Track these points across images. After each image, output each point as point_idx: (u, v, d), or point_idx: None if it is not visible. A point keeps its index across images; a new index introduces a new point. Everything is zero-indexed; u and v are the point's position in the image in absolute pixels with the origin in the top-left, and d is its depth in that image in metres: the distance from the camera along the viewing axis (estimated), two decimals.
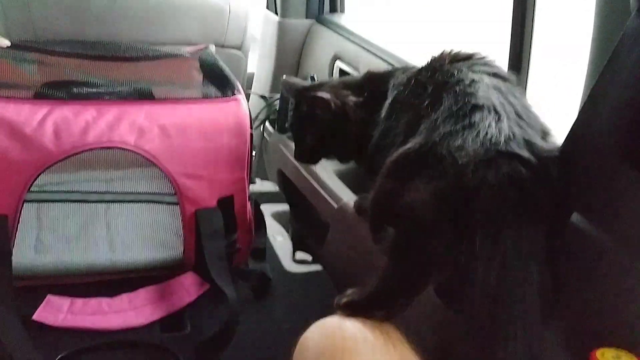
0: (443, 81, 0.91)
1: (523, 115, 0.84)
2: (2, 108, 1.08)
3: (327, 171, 1.48)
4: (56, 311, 1.12)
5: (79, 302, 1.15)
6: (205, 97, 1.23)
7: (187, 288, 1.22)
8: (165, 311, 1.17)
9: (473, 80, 0.88)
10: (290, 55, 1.79)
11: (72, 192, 1.21)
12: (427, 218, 0.78)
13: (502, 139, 0.77)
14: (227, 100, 1.23)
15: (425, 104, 0.90)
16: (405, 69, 1.11)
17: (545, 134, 0.87)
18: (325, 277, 1.39)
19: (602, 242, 0.78)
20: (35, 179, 1.09)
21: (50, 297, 1.14)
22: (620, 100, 0.76)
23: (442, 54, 1.02)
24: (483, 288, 0.72)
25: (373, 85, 1.13)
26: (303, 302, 1.29)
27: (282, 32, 1.82)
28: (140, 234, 1.25)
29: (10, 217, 1.08)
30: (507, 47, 1.22)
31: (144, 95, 1.21)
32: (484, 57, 0.99)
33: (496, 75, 0.93)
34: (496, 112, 0.82)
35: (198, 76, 1.30)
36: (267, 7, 1.91)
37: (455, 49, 1.02)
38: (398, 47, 1.52)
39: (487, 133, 0.78)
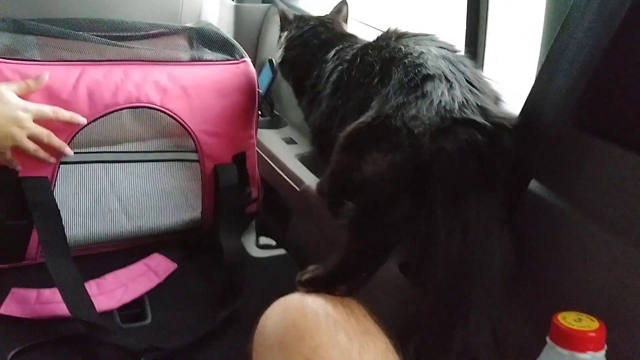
0: (391, 57, 0.91)
1: (474, 82, 0.84)
2: (39, 71, 1.11)
3: (288, 155, 1.46)
4: (24, 303, 1.11)
5: (47, 292, 1.13)
6: (218, 60, 1.30)
7: (155, 269, 1.24)
8: (135, 293, 1.19)
9: (421, 53, 0.88)
10: (247, 39, 1.76)
11: (101, 152, 1.24)
12: (385, 190, 0.77)
13: (456, 106, 0.77)
14: (238, 62, 1.31)
15: (375, 82, 0.90)
16: (350, 42, 1.14)
17: (496, 99, 0.87)
18: (290, 261, 1.38)
19: (560, 208, 0.78)
20: (71, 140, 1.14)
21: (14, 290, 1.12)
22: (574, 67, 0.77)
23: (387, 31, 1.03)
24: (445, 258, 0.72)
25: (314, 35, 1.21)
26: (267, 286, 1.27)
27: (238, 16, 1.79)
28: (159, 199, 1.29)
29: (49, 180, 1.14)
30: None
31: (162, 58, 1.26)
32: (429, 34, 0.99)
33: (442, 47, 0.93)
34: (447, 80, 0.82)
35: (200, 45, 1.35)
36: None
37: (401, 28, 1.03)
38: (356, 28, 1.50)
39: (440, 101, 0.78)
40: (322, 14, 1.32)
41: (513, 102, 0.90)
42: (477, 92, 0.82)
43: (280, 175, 1.43)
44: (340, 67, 1.06)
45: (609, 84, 0.75)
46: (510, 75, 1.26)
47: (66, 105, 1.12)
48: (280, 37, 1.35)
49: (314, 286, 0.80)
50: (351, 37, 1.21)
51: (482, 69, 1.19)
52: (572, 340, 0.56)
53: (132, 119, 1.23)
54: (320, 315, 0.71)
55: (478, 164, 0.74)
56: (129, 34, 1.28)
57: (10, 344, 1.03)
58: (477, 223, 0.73)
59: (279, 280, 1.28)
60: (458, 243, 0.72)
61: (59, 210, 1.14)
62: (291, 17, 1.32)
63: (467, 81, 0.83)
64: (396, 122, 0.78)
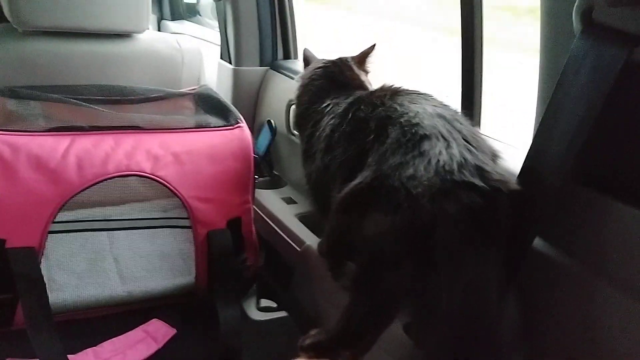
0: (386, 115, 0.91)
1: (470, 140, 0.84)
2: (28, 141, 1.11)
3: (288, 215, 1.46)
4: None
5: None
6: (213, 125, 1.31)
7: (154, 335, 1.21)
8: None
9: (417, 112, 0.88)
10: (246, 101, 1.79)
11: (89, 220, 1.25)
12: (387, 251, 0.76)
13: (455, 167, 0.77)
14: (232, 127, 1.32)
15: (370, 138, 0.89)
16: (347, 93, 1.12)
17: (494, 156, 0.87)
18: (291, 324, 1.34)
19: (565, 265, 0.77)
20: (59, 210, 1.12)
21: None
22: (571, 123, 0.77)
23: (381, 88, 1.03)
24: (447, 317, 0.70)
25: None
26: (269, 350, 1.25)
27: (237, 79, 1.83)
28: (153, 263, 1.28)
29: (36, 249, 1.11)
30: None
31: (155, 126, 1.27)
32: (424, 93, 1.00)
33: (437, 106, 0.93)
34: (444, 139, 0.81)
35: (200, 109, 1.38)
36: (221, 57, 1.92)
37: (395, 84, 1.04)
38: None
39: (438, 160, 0.78)
40: (345, 56, 1.27)
41: (511, 158, 0.91)
42: (474, 150, 0.82)
43: (281, 235, 1.42)
44: (332, 121, 1.05)
45: (608, 139, 0.76)
46: (507, 131, 1.27)
47: (54, 174, 1.11)
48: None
49: (317, 352, 0.78)
50: (351, 86, 1.18)
51: (479, 127, 1.20)
52: None
53: (125, 185, 1.23)
54: None
55: (478, 228, 0.74)
56: (129, 97, 1.30)
57: None
58: (477, 283, 0.72)
59: (280, 344, 1.26)
60: (459, 303, 0.71)
61: (44, 282, 1.11)
62: (311, 58, 1.30)
63: (464, 139, 0.83)
64: (394, 182, 0.78)
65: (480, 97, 1.22)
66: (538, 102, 0.92)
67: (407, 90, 1.01)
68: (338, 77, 1.21)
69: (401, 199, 0.76)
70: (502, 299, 0.81)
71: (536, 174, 0.81)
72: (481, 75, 1.21)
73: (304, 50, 1.35)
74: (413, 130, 0.84)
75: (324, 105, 1.13)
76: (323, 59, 1.29)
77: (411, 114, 0.88)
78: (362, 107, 0.99)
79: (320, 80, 1.22)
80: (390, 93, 0.98)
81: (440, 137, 0.82)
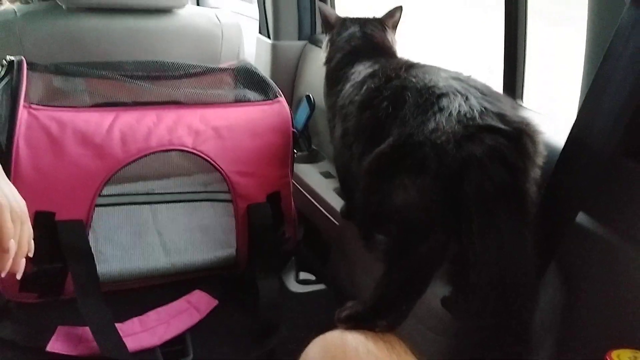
0: (402, 85, 0.91)
1: (487, 93, 0.84)
2: (74, 117, 1.15)
3: (326, 189, 1.46)
4: (69, 341, 1.12)
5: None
6: (252, 100, 1.33)
7: (196, 305, 1.24)
8: (177, 330, 1.19)
9: (431, 78, 0.89)
10: (285, 76, 1.79)
11: (133, 194, 1.29)
12: (418, 219, 0.76)
13: (477, 114, 0.77)
14: (272, 102, 1.33)
15: (383, 105, 0.89)
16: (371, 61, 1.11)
17: (513, 106, 0.85)
18: (329, 296, 1.36)
19: (610, 241, 0.76)
20: (105, 184, 1.16)
21: (61, 328, 1.14)
22: (620, 95, 0.75)
23: (397, 62, 1.04)
24: (484, 272, 0.70)
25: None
26: (308, 321, 1.26)
27: (275, 54, 1.83)
28: (195, 236, 1.31)
29: (84, 222, 1.15)
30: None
31: (195, 101, 1.29)
32: (437, 65, 0.99)
33: (451, 73, 0.93)
34: (462, 94, 0.82)
35: (239, 84, 1.39)
36: (260, 32, 1.92)
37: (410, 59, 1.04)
38: None
39: (459, 111, 0.78)
40: (371, 17, 1.26)
41: (554, 131, 0.89)
42: (493, 100, 0.82)
43: (319, 209, 1.43)
44: (350, 90, 1.05)
45: None
46: (550, 107, 1.24)
47: (100, 149, 1.15)
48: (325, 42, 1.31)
49: (354, 322, 0.78)
50: (381, 50, 1.18)
51: (522, 100, 1.18)
52: None
53: (167, 160, 1.26)
54: (360, 352, 0.70)
55: (505, 169, 0.73)
56: (170, 73, 1.32)
57: None
58: (510, 233, 0.72)
59: (318, 316, 1.27)
60: (495, 256, 0.71)
61: (92, 254, 1.16)
62: (333, 19, 1.28)
63: (481, 93, 0.83)
64: (418, 138, 0.78)
65: (523, 70, 1.20)
66: (584, 74, 0.90)
67: (422, 64, 1.01)
68: (371, 40, 1.20)
69: (427, 152, 0.76)
70: (542, 273, 0.81)
71: (581, 146, 0.79)
72: (525, 47, 1.18)
73: (319, 7, 1.34)
74: (430, 91, 0.84)
75: (352, 69, 1.12)
76: (348, 18, 1.26)
77: (426, 81, 0.89)
78: (376, 79, 0.99)
79: (357, 41, 1.20)
80: (406, 66, 0.98)
81: (457, 93, 0.82)
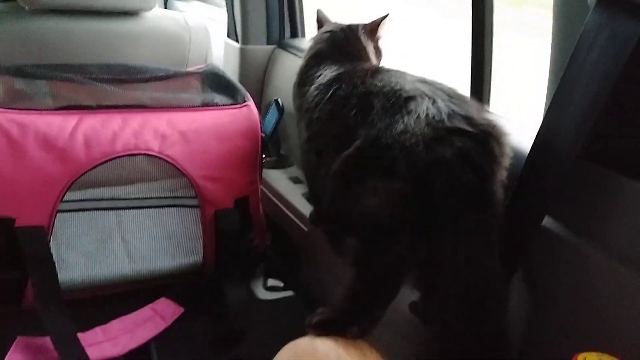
0: (367, 91, 0.91)
1: (454, 96, 0.84)
2: (36, 120, 1.11)
3: (295, 194, 1.45)
4: (29, 352, 1.08)
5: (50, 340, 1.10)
6: (220, 104, 1.30)
7: (162, 314, 1.22)
8: (141, 339, 1.16)
9: (398, 81, 0.89)
10: (253, 80, 1.78)
11: (97, 200, 1.26)
12: (388, 222, 0.75)
13: (445, 117, 0.77)
14: (240, 106, 1.31)
15: (352, 114, 0.89)
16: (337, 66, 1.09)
17: (479, 109, 0.86)
18: (298, 303, 1.35)
19: (575, 244, 0.76)
20: (68, 189, 1.12)
21: (20, 339, 1.09)
22: (584, 99, 0.76)
23: (362, 68, 1.02)
24: (453, 276, 0.71)
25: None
26: (276, 329, 1.25)
27: (244, 58, 1.81)
28: (161, 243, 1.28)
29: (45, 228, 1.11)
30: None
31: (162, 104, 1.26)
32: (403, 71, 0.99)
33: (417, 77, 0.93)
34: (429, 97, 0.82)
35: (207, 87, 1.36)
36: (228, 35, 1.91)
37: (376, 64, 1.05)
38: None
39: (427, 114, 0.78)
40: (356, 23, 1.22)
41: (522, 135, 0.90)
42: (459, 103, 0.82)
43: (288, 215, 1.42)
44: (316, 93, 1.04)
45: (620, 115, 0.75)
46: (517, 113, 1.26)
47: (62, 153, 1.11)
48: None
49: (324, 329, 0.78)
50: (354, 56, 1.15)
51: (489, 105, 1.19)
52: None
53: (132, 165, 1.22)
54: (331, 359, 0.69)
55: (473, 172, 0.74)
56: (136, 76, 1.30)
57: None
58: (477, 234, 0.72)
59: (286, 323, 1.25)
60: (462, 257, 0.71)
61: (53, 261, 1.12)
62: (323, 19, 1.27)
63: (448, 95, 0.84)
64: (387, 140, 0.78)
65: (490, 77, 1.21)
66: (550, 78, 0.91)
67: (387, 68, 1.01)
68: (342, 45, 1.18)
69: (396, 153, 0.76)
70: (510, 277, 0.81)
71: (547, 150, 0.80)
72: (491, 55, 1.20)
73: (317, 11, 1.32)
74: (397, 95, 0.85)
75: (318, 72, 1.11)
76: (335, 23, 1.25)
77: (392, 84, 0.89)
78: (343, 85, 0.98)
79: (324, 44, 1.19)
80: (371, 72, 0.98)
81: (425, 96, 0.82)
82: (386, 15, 1.24)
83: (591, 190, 0.77)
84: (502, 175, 0.78)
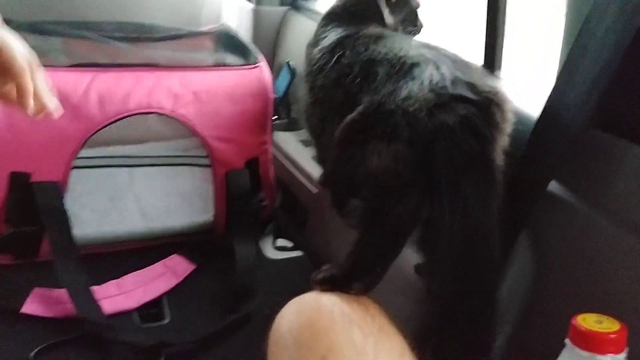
0: (371, 59, 0.90)
1: (458, 62, 0.84)
2: (50, 77, 1.11)
3: (305, 157, 1.46)
4: (45, 302, 1.12)
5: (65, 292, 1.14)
6: (232, 64, 1.31)
7: (174, 270, 1.25)
8: (153, 293, 1.20)
9: (402, 47, 0.88)
10: (266, 42, 1.77)
11: (110, 157, 1.29)
12: (392, 184, 0.77)
13: (449, 83, 0.78)
14: (252, 67, 1.32)
15: (356, 82, 0.88)
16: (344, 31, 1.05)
17: (483, 74, 0.86)
18: (306, 263, 1.38)
19: (581, 209, 0.77)
20: (82, 146, 1.14)
21: (36, 290, 1.14)
22: (593, 69, 0.76)
23: (366, 34, 1.00)
24: (449, 240, 0.72)
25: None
26: (284, 287, 1.27)
27: (257, 20, 1.81)
28: (173, 201, 1.32)
29: (60, 184, 1.14)
30: None
31: (175, 64, 1.28)
32: (407, 36, 1.00)
33: (421, 42, 0.93)
34: (433, 63, 0.82)
35: (219, 48, 1.37)
36: None
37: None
38: None
39: (431, 80, 0.78)
40: None
41: (533, 105, 0.90)
42: (464, 68, 0.82)
43: (297, 177, 1.43)
44: (319, 55, 1.02)
45: (630, 83, 0.74)
46: (529, 80, 1.25)
47: (76, 110, 1.13)
48: None
49: (329, 285, 0.80)
50: (368, 17, 1.10)
51: (500, 72, 1.18)
52: (592, 342, 0.55)
53: (145, 124, 1.25)
54: (335, 313, 0.71)
55: (475, 139, 0.74)
56: (150, 35, 1.30)
57: (32, 342, 1.04)
58: (477, 199, 0.73)
59: (295, 282, 1.28)
60: (461, 221, 0.72)
61: (68, 216, 1.16)
62: None
63: (452, 61, 0.83)
64: (390, 106, 0.78)
65: (502, 41, 1.20)
66: (563, 45, 0.91)
67: (391, 33, 1.01)
68: (353, 7, 1.13)
69: (398, 119, 0.76)
70: (514, 241, 0.82)
71: (556, 116, 0.80)
72: (504, 19, 1.18)
73: None
74: (401, 61, 0.84)
75: (324, 34, 1.07)
76: None
77: (396, 50, 0.88)
78: (346, 52, 0.97)
79: (337, 3, 1.15)
80: (375, 37, 0.97)
81: (429, 62, 0.82)
82: None
83: (599, 156, 0.77)
84: (504, 141, 0.79)
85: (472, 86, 0.78)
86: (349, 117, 0.84)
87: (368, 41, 0.96)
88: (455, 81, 0.78)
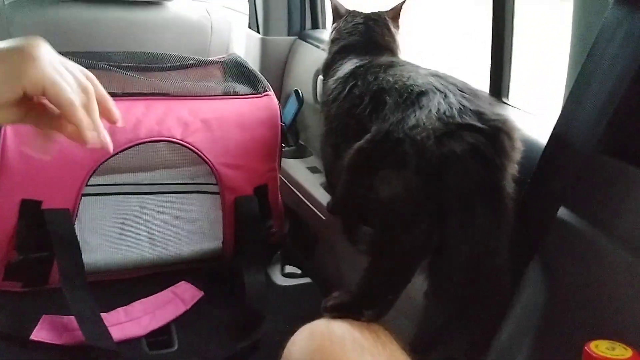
0: (380, 88, 0.92)
1: (466, 90, 0.85)
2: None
3: (313, 184, 1.47)
4: (54, 329, 1.12)
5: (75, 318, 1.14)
6: (241, 93, 1.33)
7: (182, 297, 1.25)
8: (162, 320, 1.19)
9: (410, 76, 0.90)
10: (273, 71, 1.80)
11: (120, 184, 1.30)
12: (402, 211, 0.77)
13: (456, 112, 0.79)
14: (261, 96, 1.34)
15: (366, 112, 0.91)
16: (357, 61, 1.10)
17: (491, 103, 0.87)
18: (315, 290, 1.37)
19: (590, 235, 0.77)
20: (92, 173, 1.16)
21: (45, 317, 1.14)
22: (601, 94, 0.77)
23: (377, 64, 1.03)
24: (459, 264, 0.73)
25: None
26: (293, 314, 1.27)
27: (264, 49, 1.83)
28: (182, 228, 1.32)
29: (71, 211, 1.16)
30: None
31: (185, 93, 1.29)
32: (416, 64, 1.01)
33: (429, 70, 0.95)
34: (441, 92, 0.83)
35: (228, 77, 1.40)
36: (249, 26, 1.92)
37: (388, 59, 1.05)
38: None
39: (439, 109, 0.80)
40: (376, 12, 1.24)
41: (540, 131, 0.90)
42: (471, 98, 0.83)
43: (306, 203, 1.44)
44: (334, 86, 1.06)
45: (637, 110, 0.75)
46: (536, 105, 1.26)
47: None
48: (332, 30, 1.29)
49: (340, 312, 0.80)
50: (381, 47, 1.17)
51: (507, 97, 1.19)
52: None
53: (155, 151, 1.26)
54: (346, 341, 0.71)
55: (483, 167, 0.75)
56: (159, 64, 1.32)
57: None
58: (487, 227, 0.74)
59: (304, 308, 1.28)
60: (471, 248, 0.73)
61: (78, 243, 1.16)
62: (343, 10, 1.27)
63: (459, 90, 0.85)
64: (398, 135, 0.80)
65: (510, 67, 1.21)
66: (569, 72, 0.92)
67: (400, 61, 1.03)
68: (370, 36, 1.19)
69: (407, 147, 0.77)
70: (524, 268, 0.82)
71: (564, 142, 0.80)
72: (511, 45, 1.20)
73: (331, 0, 1.31)
74: (409, 90, 0.86)
75: (340, 65, 1.12)
76: (353, 11, 1.26)
77: (404, 79, 0.90)
78: (358, 82, 1.00)
79: (351, 37, 1.19)
80: (385, 66, 0.99)
81: (436, 91, 0.83)
82: (404, 1, 1.25)
83: (607, 182, 0.77)
84: (513, 169, 0.79)
85: (480, 115, 0.79)
86: (357, 145, 0.85)
87: (378, 70, 0.98)
88: (462, 110, 0.79)
